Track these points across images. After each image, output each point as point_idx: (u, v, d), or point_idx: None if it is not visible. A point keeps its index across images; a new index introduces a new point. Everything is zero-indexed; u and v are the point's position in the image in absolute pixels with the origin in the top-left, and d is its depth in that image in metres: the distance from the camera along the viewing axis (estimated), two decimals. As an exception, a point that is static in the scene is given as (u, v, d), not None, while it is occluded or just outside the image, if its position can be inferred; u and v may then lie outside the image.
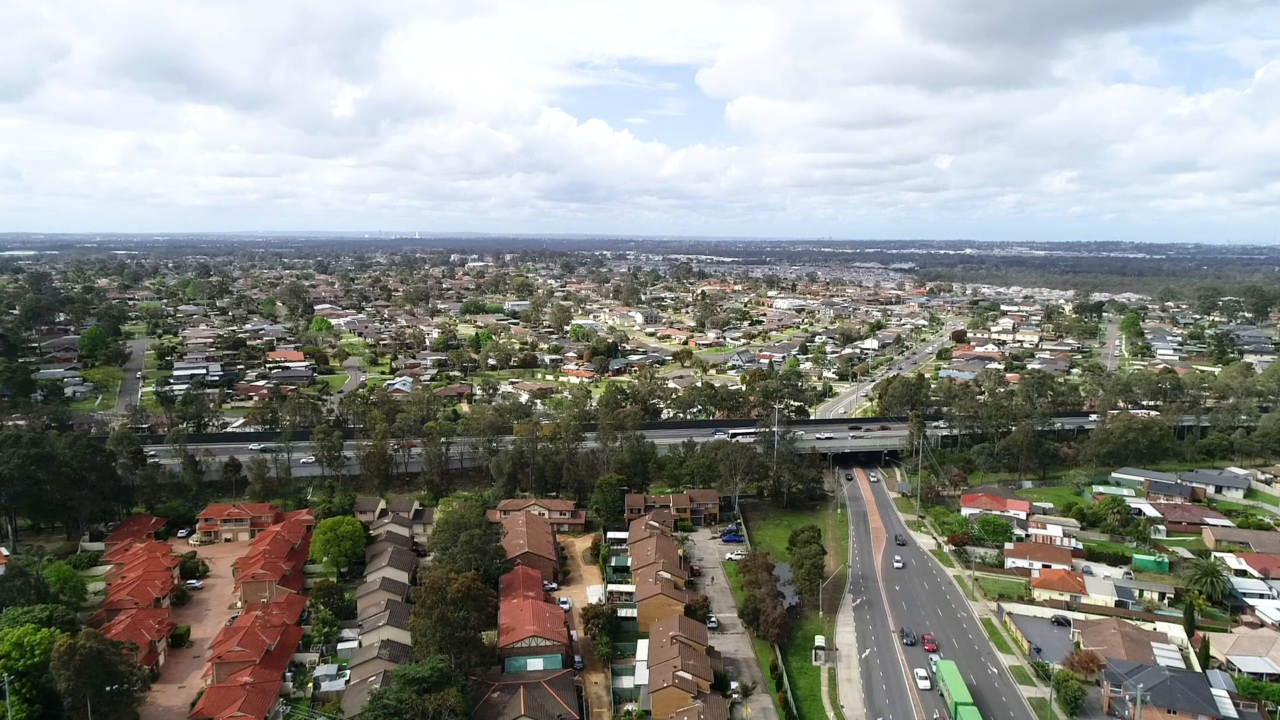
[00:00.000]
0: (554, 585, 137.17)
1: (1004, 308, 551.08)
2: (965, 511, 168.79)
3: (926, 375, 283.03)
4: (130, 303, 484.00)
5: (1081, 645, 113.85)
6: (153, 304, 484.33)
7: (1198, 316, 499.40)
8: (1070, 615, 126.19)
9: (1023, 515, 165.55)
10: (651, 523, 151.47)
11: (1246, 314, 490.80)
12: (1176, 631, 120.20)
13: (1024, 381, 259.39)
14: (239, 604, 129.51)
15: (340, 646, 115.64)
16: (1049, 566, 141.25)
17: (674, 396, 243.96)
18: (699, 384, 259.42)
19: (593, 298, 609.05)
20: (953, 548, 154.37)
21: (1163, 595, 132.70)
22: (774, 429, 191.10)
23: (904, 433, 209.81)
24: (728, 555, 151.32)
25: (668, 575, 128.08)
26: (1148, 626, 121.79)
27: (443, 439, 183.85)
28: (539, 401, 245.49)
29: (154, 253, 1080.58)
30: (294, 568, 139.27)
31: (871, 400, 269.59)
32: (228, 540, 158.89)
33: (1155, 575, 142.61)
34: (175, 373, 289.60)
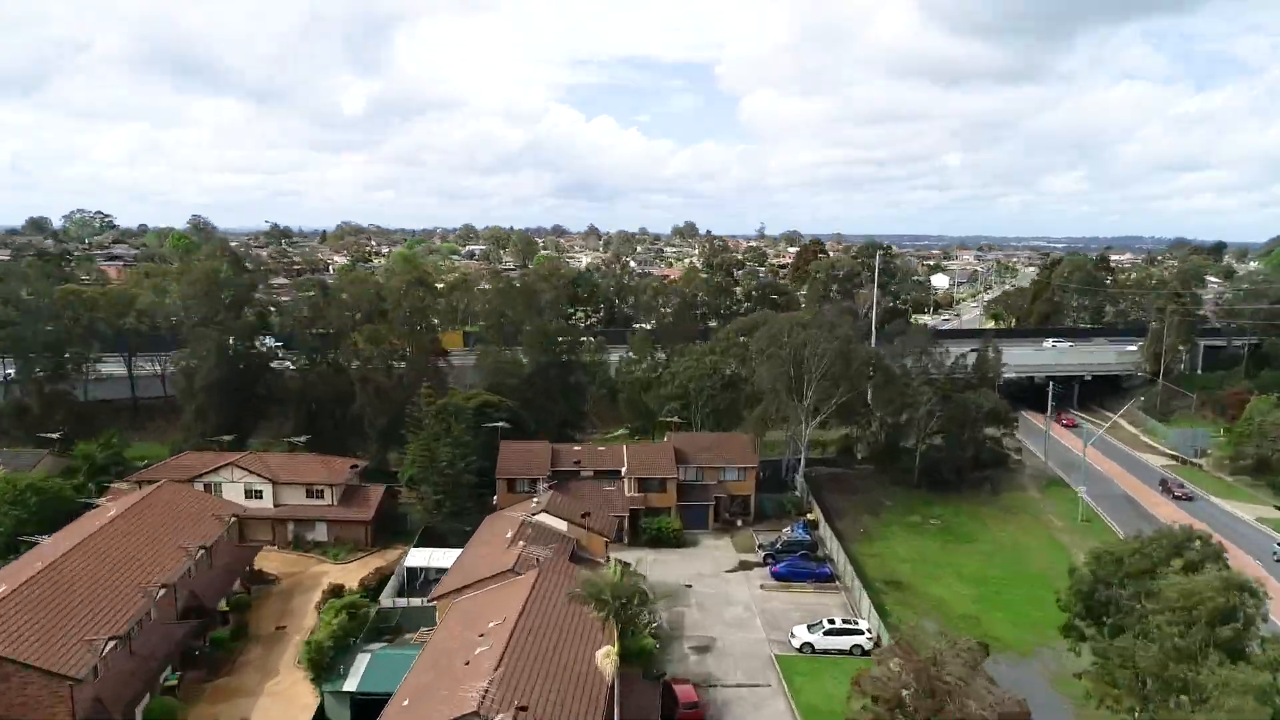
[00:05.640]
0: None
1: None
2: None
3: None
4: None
5: None
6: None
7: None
8: None
9: None
10: (530, 522, 45.33)
11: None
12: None
13: None
14: None
15: None
16: None
17: (662, 295, 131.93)
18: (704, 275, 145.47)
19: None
20: None
21: None
22: (873, 301, 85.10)
23: (1116, 348, 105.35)
24: (795, 626, 45.22)
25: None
26: None
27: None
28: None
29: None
30: None
31: (998, 316, 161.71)
32: None
33: None
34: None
